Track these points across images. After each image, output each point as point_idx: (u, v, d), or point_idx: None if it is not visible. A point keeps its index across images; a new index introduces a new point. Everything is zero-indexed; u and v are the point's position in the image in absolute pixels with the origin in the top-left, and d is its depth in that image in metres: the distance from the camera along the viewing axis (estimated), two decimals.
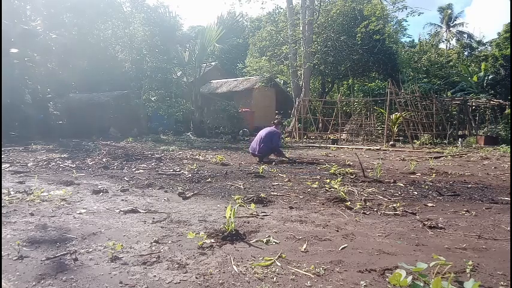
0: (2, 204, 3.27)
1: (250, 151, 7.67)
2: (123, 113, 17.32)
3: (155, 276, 1.88)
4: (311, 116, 18.05)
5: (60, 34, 16.84)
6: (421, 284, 1.66)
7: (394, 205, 3.53)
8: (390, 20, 25.18)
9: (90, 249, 2.24)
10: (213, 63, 27.36)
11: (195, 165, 6.33)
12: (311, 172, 5.98)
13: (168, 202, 3.64)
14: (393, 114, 14.33)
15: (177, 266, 2.00)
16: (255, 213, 3.18)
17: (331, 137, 15.63)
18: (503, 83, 20.92)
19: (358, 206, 3.46)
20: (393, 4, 17.67)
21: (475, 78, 21.55)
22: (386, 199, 3.89)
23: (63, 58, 16.71)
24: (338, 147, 12.27)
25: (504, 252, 2.30)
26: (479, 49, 31.76)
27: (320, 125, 18.49)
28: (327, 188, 4.43)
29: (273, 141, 7.37)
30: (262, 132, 7.48)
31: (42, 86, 17.01)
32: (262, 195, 3.86)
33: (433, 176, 5.60)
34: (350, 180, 5.10)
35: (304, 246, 2.33)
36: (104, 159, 6.94)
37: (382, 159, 8.27)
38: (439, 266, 1.80)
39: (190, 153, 8.89)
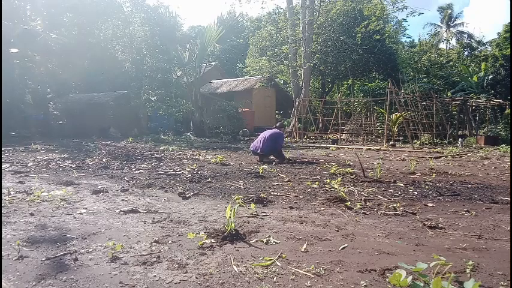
0: (2, 204, 3.27)
1: (252, 149, 7.69)
2: (123, 113, 17.32)
3: (155, 276, 1.88)
4: (311, 116, 18.05)
5: (60, 34, 16.84)
6: (421, 284, 1.66)
7: (394, 205, 3.53)
8: (390, 20, 25.22)
9: (90, 249, 2.24)
10: (213, 63, 27.33)
11: (195, 165, 6.33)
12: (311, 172, 5.97)
13: (168, 202, 3.64)
14: (393, 114, 14.33)
15: (177, 266, 2.00)
16: (255, 213, 3.17)
17: (331, 137, 15.63)
18: (503, 83, 20.92)
19: (358, 206, 3.46)
20: (393, 4, 17.68)
21: (475, 78, 21.56)
22: (386, 199, 3.89)
23: (63, 58, 16.71)
24: (338, 147, 12.27)
25: (504, 252, 2.30)
26: (479, 49, 31.75)
27: (320, 125, 18.50)
28: (327, 188, 4.43)
29: (277, 141, 7.42)
30: (266, 133, 7.54)
31: (42, 86, 17.01)
32: (262, 195, 3.86)
33: (433, 176, 5.60)
34: (350, 180, 5.10)
35: (304, 246, 2.33)
36: (104, 159, 6.94)
37: (382, 159, 8.27)
38: (439, 266, 1.80)
39: (190, 153, 8.88)
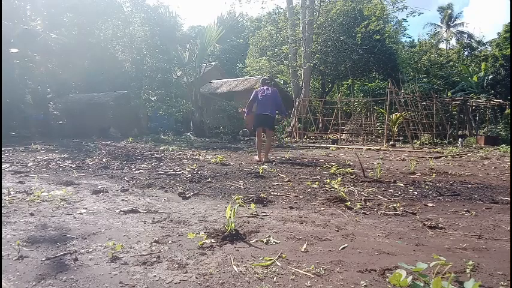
0: (2, 204, 3.26)
1: (258, 113, 7.58)
2: (123, 113, 17.34)
3: (155, 276, 1.87)
4: (311, 116, 18.06)
5: (60, 34, 16.84)
6: (421, 284, 1.66)
7: (394, 205, 3.53)
8: (390, 20, 25.25)
9: (90, 249, 2.23)
10: (213, 63, 27.33)
11: (195, 165, 6.32)
12: (311, 172, 5.97)
13: (168, 202, 3.64)
14: (393, 114, 14.34)
15: (177, 266, 2.00)
16: (255, 213, 3.17)
17: (331, 137, 15.64)
18: (503, 83, 20.94)
19: (358, 206, 3.46)
20: (393, 4, 17.70)
21: (475, 78, 21.57)
22: (386, 199, 3.89)
23: (63, 58, 16.72)
24: (338, 147, 12.26)
25: (504, 252, 2.30)
26: (479, 49, 31.76)
27: (320, 125, 18.51)
28: (327, 188, 4.43)
29: (277, 100, 7.58)
30: (267, 93, 7.51)
31: (42, 86, 17.02)
32: (262, 195, 3.85)
33: (433, 176, 5.60)
34: (350, 180, 5.10)
35: (304, 246, 2.33)
36: (104, 159, 6.94)
37: (382, 159, 8.26)
38: (439, 266, 1.80)
39: (190, 153, 8.88)
